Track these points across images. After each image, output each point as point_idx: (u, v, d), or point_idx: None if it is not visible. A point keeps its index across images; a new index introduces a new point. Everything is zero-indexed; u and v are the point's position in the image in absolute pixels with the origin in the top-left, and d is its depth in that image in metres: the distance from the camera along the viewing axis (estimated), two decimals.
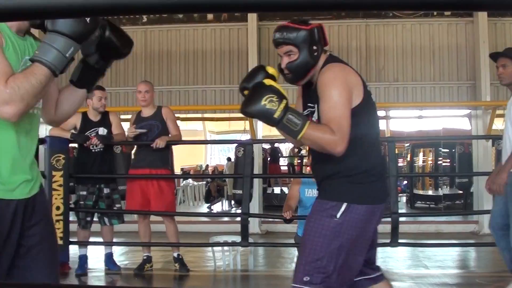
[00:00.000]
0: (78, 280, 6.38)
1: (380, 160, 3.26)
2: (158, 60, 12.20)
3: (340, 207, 3.05)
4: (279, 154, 19.19)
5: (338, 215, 3.04)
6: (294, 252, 6.80)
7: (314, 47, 3.09)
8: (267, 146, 17.33)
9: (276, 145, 18.44)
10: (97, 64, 2.63)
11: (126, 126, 7.08)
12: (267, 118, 2.87)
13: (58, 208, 6.51)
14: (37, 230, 2.60)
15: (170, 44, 12.23)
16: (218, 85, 11.97)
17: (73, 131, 6.60)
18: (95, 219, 6.89)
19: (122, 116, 9.95)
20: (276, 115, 2.83)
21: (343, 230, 3.04)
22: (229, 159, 17.06)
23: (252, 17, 11.73)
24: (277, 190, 16.54)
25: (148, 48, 12.24)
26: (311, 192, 5.51)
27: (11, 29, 2.48)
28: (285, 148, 20.80)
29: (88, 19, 2.32)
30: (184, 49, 12.20)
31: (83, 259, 6.70)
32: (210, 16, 12.28)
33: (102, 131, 6.64)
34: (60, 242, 6.49)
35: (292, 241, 6.03)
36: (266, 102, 2.84)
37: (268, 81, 2.96)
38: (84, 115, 6.64)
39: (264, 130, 12.81)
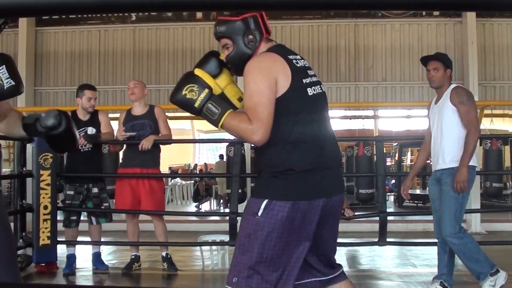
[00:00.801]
0: (66, 279, 6.35)
1: (311, 157, 3.01)
2: (146, 58, 12.20)
3: (261, 204, 2.94)
4: None
5: (260, 213, 2.94)
6: None
7: (250, 36, 3.04)
8: None
9: None
10: (35, 133, 2.83)
11: (115, 124, 7.06)
12: (188, 107, 2.97)
13: (45, 207, 6.48)
14: None
15: (159, 42, 12.23)
16: None
17: None
18: (84, 218, 6.87)
19: (111, 115, 9.89)
20: (196, 105, 2.93)
21: (266, 227, 2.93)
22: (221, 156, 17.03)
23: None
24: None
25: (137, 46, 12.23)
26: None
27: None
28: None
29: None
30: (173, 47, 12.20)
31: (71, 258, 6.67)
32: (199, 15, 12.29)
33: (91, 130, 6.60)
34: (47, 241, 6.50)
35: None
36: (187, 92, 2.93)
37: (197, 71, 3.02)
38: (73, 114, 6.60)
39: None
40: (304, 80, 3.02)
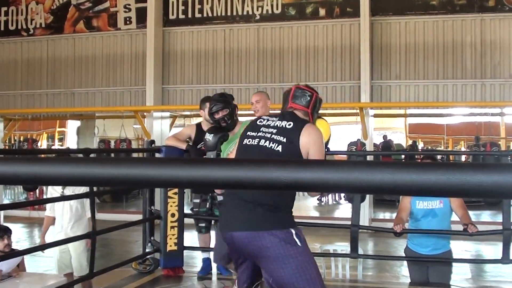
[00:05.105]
0: (200, 283, 6.56)
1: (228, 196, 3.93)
2: (270, 57, 12.35)
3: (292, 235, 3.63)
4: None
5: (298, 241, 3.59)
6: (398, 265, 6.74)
7: None
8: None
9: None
10: None
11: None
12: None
13: (173, 215, 6.75)
14: None
15: (282, 41, 12.36)
16: (330, 81, 12.00)
17: (188, 141, 6.79)
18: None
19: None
20: None
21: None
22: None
23: (365, 12, 11.64)
24: None
25: (261, 45, 12.42)
26: (423, 204, 5.48)
27: None
28: None
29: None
30: (296, 46, 12.30)
31: (205, 262, 6.88)
32: (322, 12, 12.29)
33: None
34: (174, 247, 6.80)
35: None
36: None
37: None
38: (198, 126, 6.83)
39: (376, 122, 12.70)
40: (248, 133, 3.91)
